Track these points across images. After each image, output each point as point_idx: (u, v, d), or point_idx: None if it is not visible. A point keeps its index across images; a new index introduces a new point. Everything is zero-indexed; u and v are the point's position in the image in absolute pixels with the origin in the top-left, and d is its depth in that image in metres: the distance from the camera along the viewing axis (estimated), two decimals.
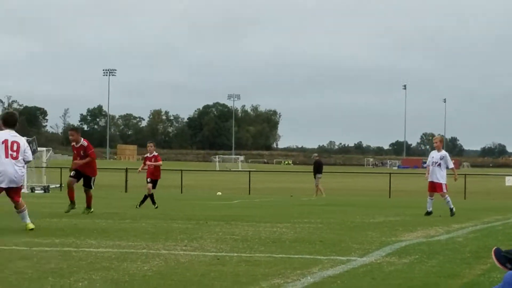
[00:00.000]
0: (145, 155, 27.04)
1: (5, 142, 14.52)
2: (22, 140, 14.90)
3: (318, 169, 45.45)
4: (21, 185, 15.21)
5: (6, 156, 14.46)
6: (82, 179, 20.74)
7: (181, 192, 48.92)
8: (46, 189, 44.88)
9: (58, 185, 48.49)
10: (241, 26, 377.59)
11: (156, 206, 24.82)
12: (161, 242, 12.49)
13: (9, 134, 14.67)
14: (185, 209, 24.56)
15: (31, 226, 14.66)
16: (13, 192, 14.69)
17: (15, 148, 14.56)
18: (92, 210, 20.46)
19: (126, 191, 49.96)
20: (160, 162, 25.74)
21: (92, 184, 20.71)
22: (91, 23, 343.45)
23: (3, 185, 14.50)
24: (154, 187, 25.65)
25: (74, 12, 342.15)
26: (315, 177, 45.50)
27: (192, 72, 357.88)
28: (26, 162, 15.03)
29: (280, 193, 48.79)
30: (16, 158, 14.55)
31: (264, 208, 26.06)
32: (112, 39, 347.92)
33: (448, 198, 21.99)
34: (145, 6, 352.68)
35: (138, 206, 24.81)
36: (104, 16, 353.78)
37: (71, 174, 20.72)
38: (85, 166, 20.51)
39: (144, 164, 26.45)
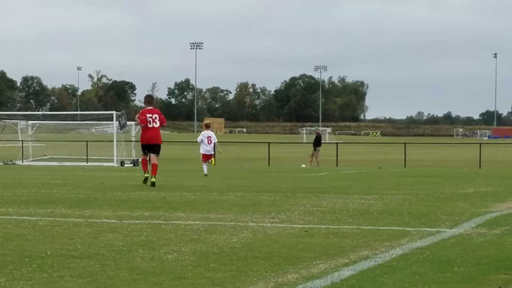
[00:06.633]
0: None
1: None
2: None
3: (318, 142, 48.49)
4: None
5: None
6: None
7: (269, 165, 49.02)
8: (135, 162, 45.46)
9: None
10: None
11: None
12: (249, 215, 12.55)
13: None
14: (272, 182, 24.64)
15: None
16: None
17: None
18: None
19: (214, 164, 50.31)
20: None
21: None
22: None
23: None
24: None
25: None
26: (314, 150, 48.02)
27: (279, 43, 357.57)
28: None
29: (368, 164, 48.54)
30: None
31: (351, 180, 25.95)
32: (198, 10, 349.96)
33: None
34: None
35: None
36: None
37: None
38: None
39: None
